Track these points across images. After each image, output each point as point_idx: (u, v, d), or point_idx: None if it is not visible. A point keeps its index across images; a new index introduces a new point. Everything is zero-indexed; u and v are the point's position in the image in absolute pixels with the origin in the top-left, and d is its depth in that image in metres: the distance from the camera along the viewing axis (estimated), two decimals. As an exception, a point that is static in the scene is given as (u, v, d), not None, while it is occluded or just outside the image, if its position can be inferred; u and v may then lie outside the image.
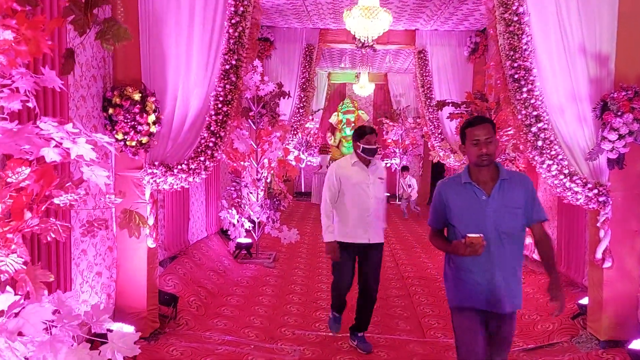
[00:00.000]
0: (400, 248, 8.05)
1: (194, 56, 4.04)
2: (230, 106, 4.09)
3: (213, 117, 4.07)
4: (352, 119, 13.80)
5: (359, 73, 12.91)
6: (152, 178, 3.95)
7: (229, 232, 6.61)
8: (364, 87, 9.63)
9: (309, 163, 13.90)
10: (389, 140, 13.70)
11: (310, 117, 13.40)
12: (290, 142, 9.21)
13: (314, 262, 7.02)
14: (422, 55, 9.16)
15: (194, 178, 4.11)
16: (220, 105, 4.06)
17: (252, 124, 6.59)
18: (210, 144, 4.09)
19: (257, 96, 6.49)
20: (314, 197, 13.08)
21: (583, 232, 4.83)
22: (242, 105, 6.37)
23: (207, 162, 4.11)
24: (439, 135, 9.05)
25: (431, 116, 9.11)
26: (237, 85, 4.10)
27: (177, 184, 4.07)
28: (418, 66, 9.23)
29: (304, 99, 9.22)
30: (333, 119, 14.17)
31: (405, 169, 11.57)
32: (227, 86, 4.05)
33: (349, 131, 13.79)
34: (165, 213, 5.26)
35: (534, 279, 5.46)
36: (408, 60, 11.68)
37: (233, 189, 6.62)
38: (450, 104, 6.52)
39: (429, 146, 9.55)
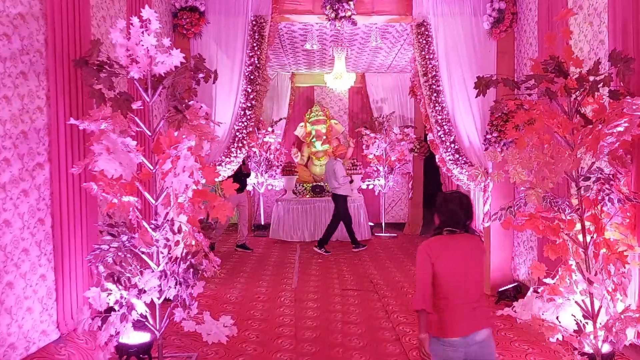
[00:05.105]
0: (397, 305, 5.03)
1: None
2: None
3: None
4: (324, 131, 10.88)
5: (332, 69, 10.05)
6: None
7: (103, 327, 3.51)
8: (341, 78, 6.73)
9: (269, 187, 10.91)
10: (371, 156, 10.78)
11: (270, 129, 10.52)
12: (232, 159, 6.20)
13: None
14: (422, 29, 6.35)
15: None
16: None
17: (142, 125, 3.57)
18: None
19: (152, 75, 3.50)
20: (274, 231, 9.80)
21: None
22: (114, 89, 3.36)
23: None
24: (452, 145, 6.21)
25: (439, 117, 6.28)
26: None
27: None
28: (417, 46, 6.41)
29: (252, 96, 6.24)
30: (299, 132, 11.23)
31: None
32: None
33: (319, 146, 10.86)
34: None
35: None
36: (395, 49, 8.85)
37: (108, 246, 3.54)
38: (501, 83, 3.66)
39: (437, 160, 6.69)
